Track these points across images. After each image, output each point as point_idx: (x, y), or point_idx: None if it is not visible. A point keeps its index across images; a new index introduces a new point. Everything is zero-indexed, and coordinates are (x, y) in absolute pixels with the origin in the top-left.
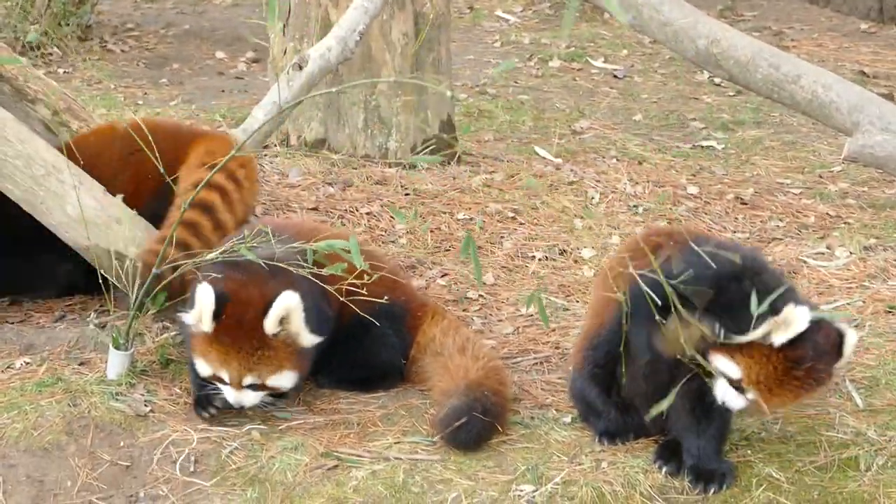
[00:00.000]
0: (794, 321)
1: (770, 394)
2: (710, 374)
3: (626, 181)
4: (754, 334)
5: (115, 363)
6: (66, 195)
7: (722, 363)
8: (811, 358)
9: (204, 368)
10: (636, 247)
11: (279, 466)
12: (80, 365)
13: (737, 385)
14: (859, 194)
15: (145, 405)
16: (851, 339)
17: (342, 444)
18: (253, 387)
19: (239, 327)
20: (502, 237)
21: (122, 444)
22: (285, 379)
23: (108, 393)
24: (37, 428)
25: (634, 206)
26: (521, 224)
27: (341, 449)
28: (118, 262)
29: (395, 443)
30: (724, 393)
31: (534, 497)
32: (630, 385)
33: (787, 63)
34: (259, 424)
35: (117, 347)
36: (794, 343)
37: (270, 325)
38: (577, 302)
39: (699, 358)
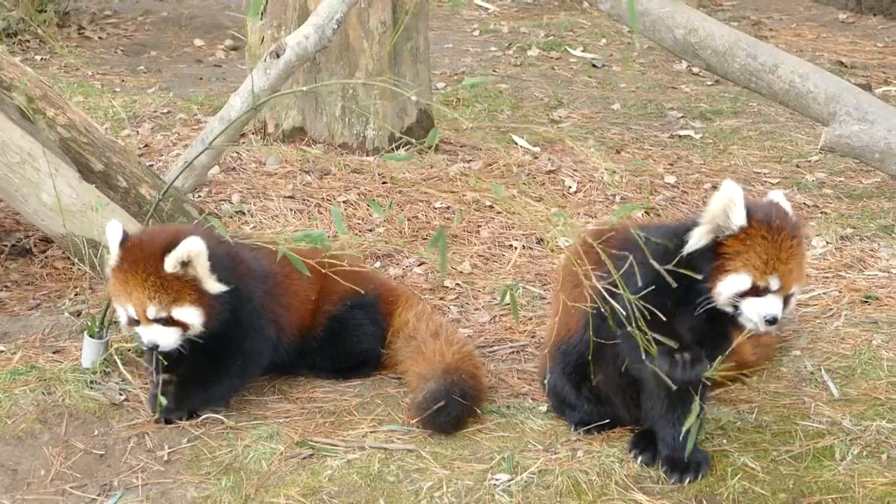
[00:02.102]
0: (725, 194)
1: (787, 268)
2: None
3: (604, 170)
4: (700, 233)
5: (90, 351)
6: (42, 183)
7: (728, 283)
8: (781, 220)
9: (120, 312)
10: (589, 249)
11: (254, 455)
12: (54, 353)
13: (758, 288)
14: (836, 184)
15: (120, 394)
16: (778, 196)
17: (317, 433)
18: (161, 321)
19: (139, 253)
20: (479, 226)
21: (96, 432)
22: (190, 314)
23: (83, 381)
24: (10, 416)
25: (612, 195)
26: (499, 213)
27: (316, 438)
28: (93, 249)
29: (371, 431)
30: (757, 310)
31: (509, 486)
32: (605, 381)
33: (765, 53)
34: (234, 413)
35: (92, 336)
36: (757, 220)
37: (170, 263)
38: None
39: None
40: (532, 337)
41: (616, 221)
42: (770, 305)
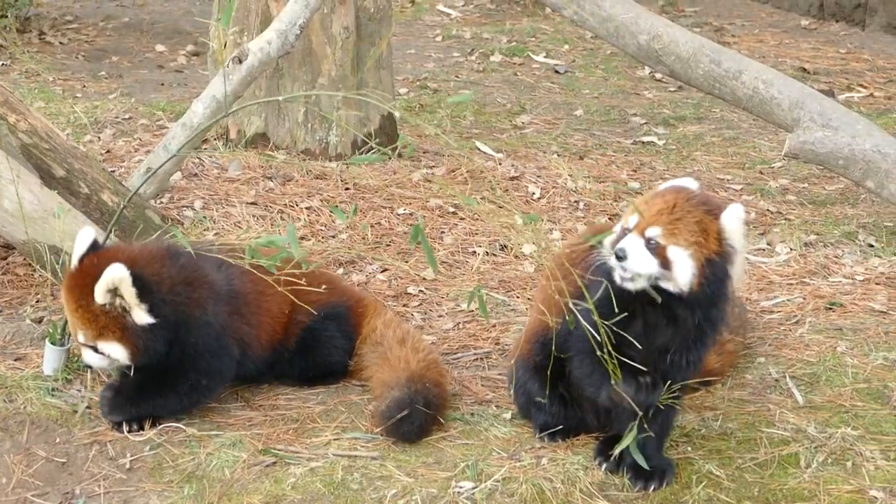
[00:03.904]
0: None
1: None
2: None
3: (567, 177)
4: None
5: (52, 359)
6: (3, 189)
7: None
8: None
9: None
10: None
11: (217, 463)
12: (15, 360)
13: (624, 232)
14: (800, 190)
15: (82, 401)
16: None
17: (280, 441)
18: (89, 346)
19: (78, 279)
20: (443, 232)
21: (58, 440)
22: (113, 349)
23: (44, 389)
24: None
25: (575, 201)
26: (462, 219)
27: (279, 445)
28: (55, 256)
29: (334, 439)
30: (612, 244)
31: (473, 494)
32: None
33: (729, 59)
34: (196, 420)
35: (53, 343)
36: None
37: (98, 293)
38: (518, 298)
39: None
40: (496, 344)
41: (589, 237)
42: (621, 240)
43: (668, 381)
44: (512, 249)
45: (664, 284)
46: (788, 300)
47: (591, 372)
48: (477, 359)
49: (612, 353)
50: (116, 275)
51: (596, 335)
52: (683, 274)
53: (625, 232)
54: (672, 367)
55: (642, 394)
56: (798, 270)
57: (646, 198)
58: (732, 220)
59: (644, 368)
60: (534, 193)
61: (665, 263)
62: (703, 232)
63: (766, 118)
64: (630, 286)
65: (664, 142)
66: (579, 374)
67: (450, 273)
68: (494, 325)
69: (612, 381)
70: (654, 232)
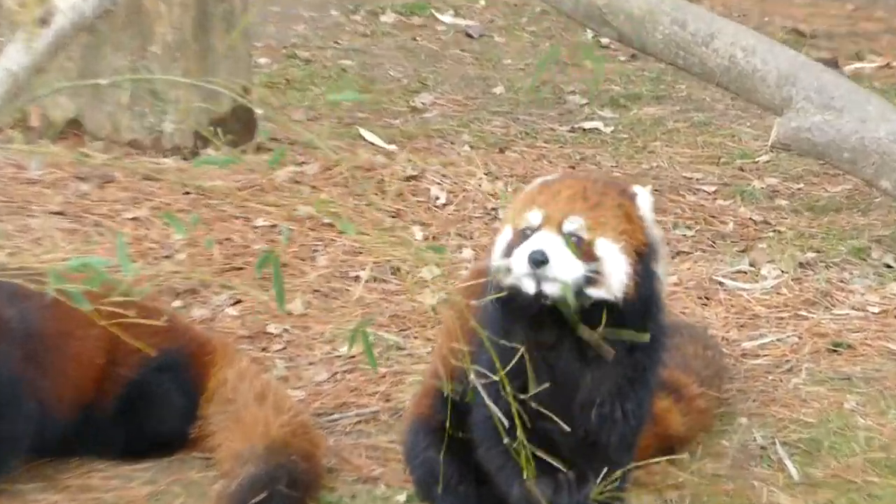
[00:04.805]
0: None
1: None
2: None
3: (483, 176)
4: None
5: None
6: None
7: (496, 244)
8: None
9: None
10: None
11: None
12: None
13: (523, 234)
14: (793, 193)
15: None
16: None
17: None
18: None
19: None
20: (315, 251)
21: None
22: None
23: None
24: None
25: (493, 209)
26: (341, 233)
27: None
28: None
29: None
30: (520, 254)
31: None
32: None
33: (697, 19)
34: None
35: None
36: None
37: None
38: (416, 338)
39: None
40: (386, 401)
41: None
42: (531, 242)
43: (605, 468)
44: (408, 274)
45: (591, 292)
46: (779, 340)
47: (502, 465)
48: (360, 421)
49: (525, 442)
50: None
51: (503, 419)
52: (617, 273)
53: (525, 233)
54: (602, 426)
55: (564, 495)
56: (791, 300)
57: (535, 190)
58: (645, 202)
59: (562, 468)
60: (438, 198)
61: (592, 263)
62: (627, 218)
63: (747, 97)
64: (550, 290)
65: (612, 129)
66: (489, 466)
67: (324, 306)
68: (384, 376)
69: (525, 478)
70: (574, 224)
